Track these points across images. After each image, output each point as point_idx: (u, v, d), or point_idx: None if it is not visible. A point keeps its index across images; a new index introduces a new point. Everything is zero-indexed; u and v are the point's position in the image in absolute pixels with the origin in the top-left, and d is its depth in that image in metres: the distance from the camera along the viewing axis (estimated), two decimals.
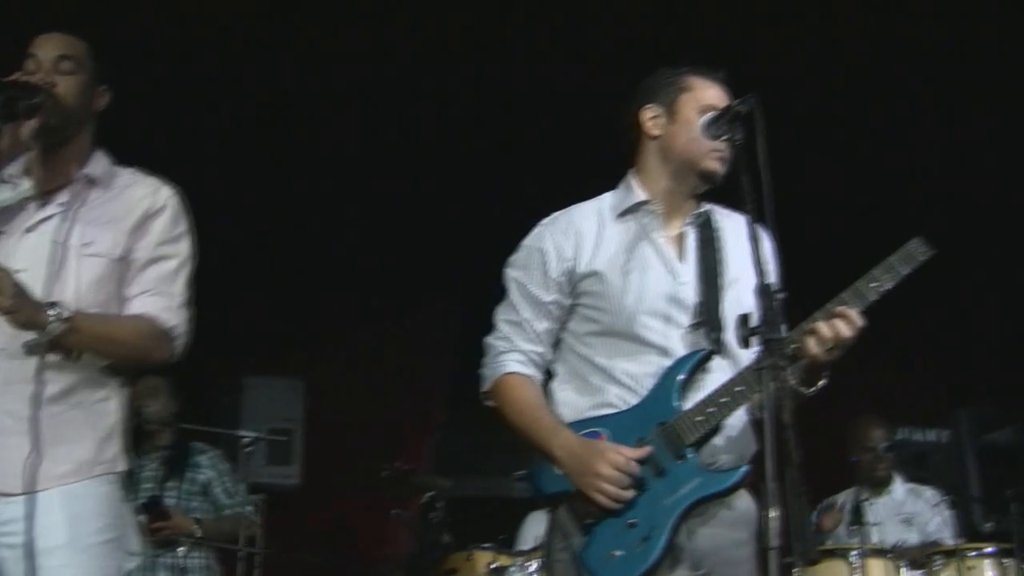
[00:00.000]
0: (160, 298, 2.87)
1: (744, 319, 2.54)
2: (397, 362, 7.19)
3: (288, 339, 6.96)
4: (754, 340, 2.49)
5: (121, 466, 2.83)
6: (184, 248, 2.96)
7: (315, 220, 6.86)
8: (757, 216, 2.58)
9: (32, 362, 2.68)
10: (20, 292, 2.59)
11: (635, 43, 5.50)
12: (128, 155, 3.02)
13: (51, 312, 2.63)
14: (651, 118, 3.00)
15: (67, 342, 2.68)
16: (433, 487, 5.70)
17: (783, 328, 2.51)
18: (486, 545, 5.19)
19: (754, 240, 2.57)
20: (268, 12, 5.70)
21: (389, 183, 6.68)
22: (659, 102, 3.00)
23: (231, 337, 6.67)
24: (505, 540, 5.57)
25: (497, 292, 3.09)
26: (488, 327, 3.07)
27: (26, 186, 2.87)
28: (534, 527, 5.65)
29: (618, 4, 5.70)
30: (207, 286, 3.03)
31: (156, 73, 5.58)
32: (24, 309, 2.60)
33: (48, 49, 2.88)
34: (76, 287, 2.77)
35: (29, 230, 2.82)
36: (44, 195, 2.86)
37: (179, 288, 2.91)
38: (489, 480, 7.15)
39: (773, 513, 2.25)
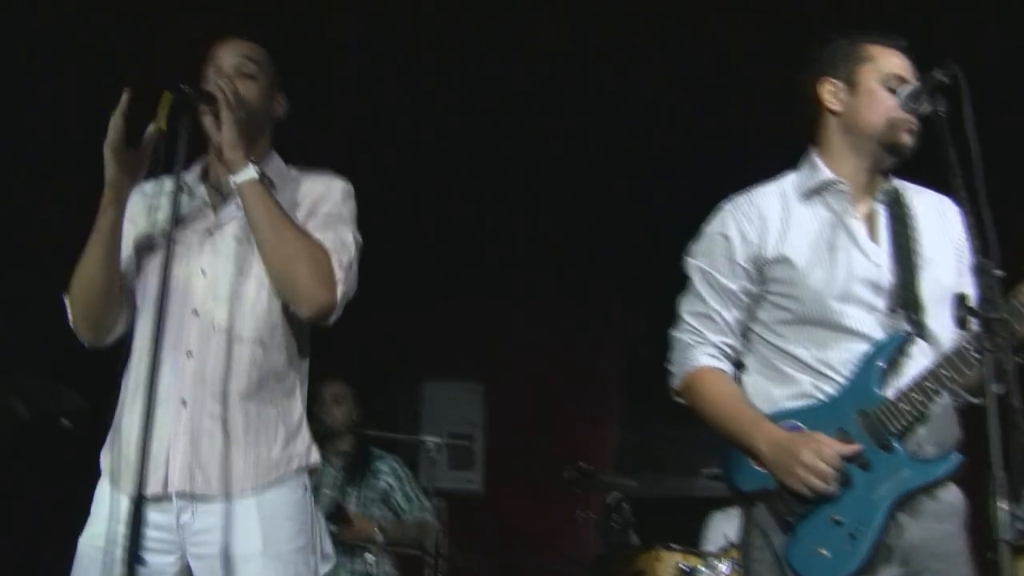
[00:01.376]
0: (333, 240, 2.81)
1: (961, 299, 2.36)
2: (575, 361, 7.13)
3: (465, 342, 6.97)
4: (972, 321, 2.33)
5: (315, 458, 2.83)
6: (355, 223, 2.90)
7: (487, 222, 6.87)
8: (967, 192, 2.39)
9: (223, 360, 2.72)
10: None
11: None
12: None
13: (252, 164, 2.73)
14: (830, 92, 2.86)
15: (253, 193, 2.72)
16: (617, 487, 5.61)
17: (1001, 307, 2.33)
18: (674, 545, 5.07)
19: (971, 217, 2.39)
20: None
21: (557, 181, 6.64)
22: (837, 75, 2.86)
23: (409, 342, 6.79)
24: (691, 539, 5.46)
25: (669, 284, 3.00)
26: (661, 320, 2.98)
27: (203, 191, 2.91)
28: (719, 526, 5.52)
29: None
30: (384, 292, 3.01)
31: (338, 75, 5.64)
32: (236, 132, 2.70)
33: (229, 55, 2.91)
34: (251, 284, 2.78)
35: (211, 232, 2.84)
36: (223, 198, 2.89)
37: (351, 247, 2.84)
38: (672, 478, 7.04)
39: (1003, 504, 2.10)
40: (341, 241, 2.82)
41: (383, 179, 2.98)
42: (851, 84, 2.84)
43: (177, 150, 2.62)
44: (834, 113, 2.87)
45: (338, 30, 5.67)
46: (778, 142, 3.02)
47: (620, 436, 7.24)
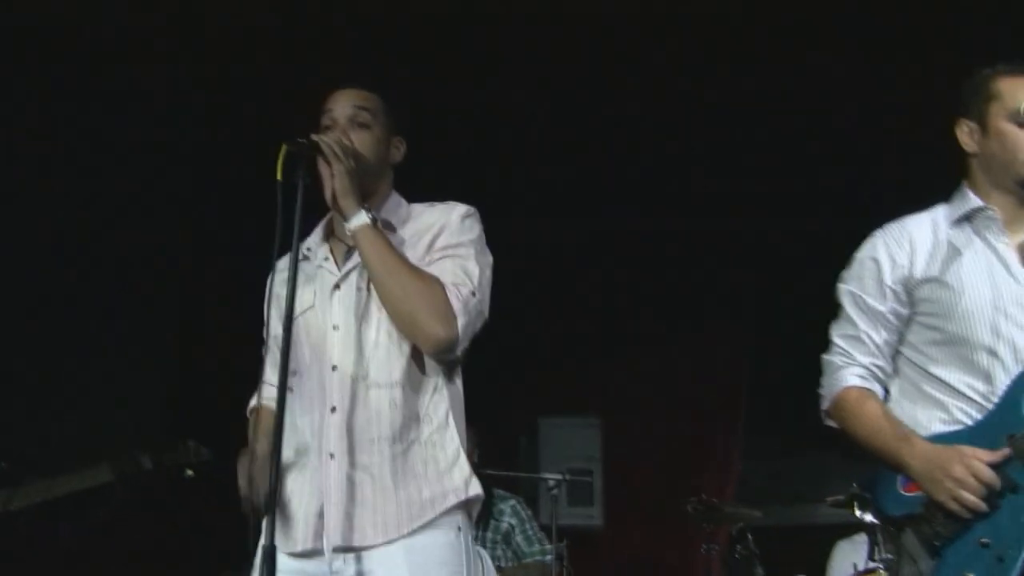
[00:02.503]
0: (452, 270, 2.80)
1: None
2: (692, 393, 7.05)
3: (580, 377, 6.95)
4: None
5: (474, 490, 2.80)
6: (479, 244, 2.88)
7: (602, 258, 6.85)
8: None
9: (365, 409, 2.73)
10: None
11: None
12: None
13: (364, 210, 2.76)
14: (966, 134, 2.86)
15: (366, 237, 2.74)
16: (741, 518, 5.53)
17: None
18: None
19: None
20: None
21: (673, 216, 6.62)
22: (970, 115, 2.86)
23: (524, 378, 6.78)
24: (817, 569, 5.37)
25: (790, 314, 2.98)
26: (783, 350, 2.98)
27: (326, 249, 2.94)
28: (846, 555, 5.43)
29: None
30: (498, 329, 3.01)
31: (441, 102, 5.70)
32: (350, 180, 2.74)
33: (343, 104, 2.93)
34: (376, 329, 2.79)
35: (337, 286, 2.87)
36: (347, 251, 2.91)
37: (473, 275, 2.81)
38: (796, 508, 6.93)
39: None
40: (462, 271, 2.80)
41: (497, 219, 2.96)
42: (982, 125, 2.84)
43: (296, 201, 2.63)
44: (972, 155, 2.87)
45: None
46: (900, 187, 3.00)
47: (742, 467, 7.13)
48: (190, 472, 4.49)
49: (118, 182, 5.76)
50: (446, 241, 2.85)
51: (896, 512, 2.73)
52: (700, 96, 5.84)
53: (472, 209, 2.93)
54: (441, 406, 2.82)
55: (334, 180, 2.76)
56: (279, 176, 2.63)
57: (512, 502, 5.36)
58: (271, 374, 2.93)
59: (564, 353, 6.87)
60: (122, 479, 4.55)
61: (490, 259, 2.89)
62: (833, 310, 3.01)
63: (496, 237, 2.95)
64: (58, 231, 5.56)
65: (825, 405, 2.92)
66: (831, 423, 2.92)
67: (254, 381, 2.90)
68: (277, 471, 2.48)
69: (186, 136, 5.84)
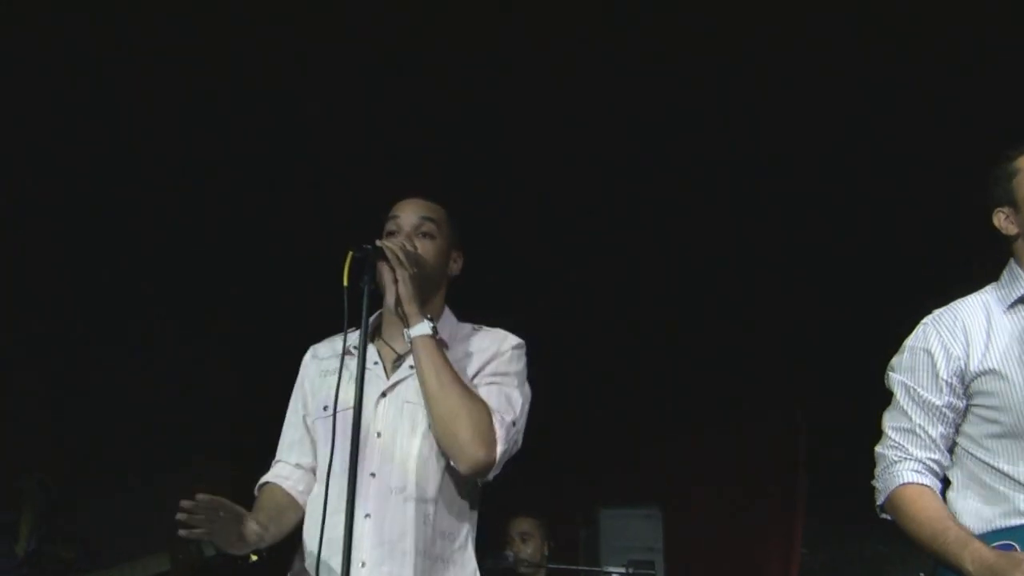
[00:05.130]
0: (498, 398, 2.86)
1: None
2: (752, 478, 7.00)
3: (638, 465, 6.91)
4: None
5: None
6: (523, 377, 2.96)
7: (654, 342, 6.87)
8: None
9: (399, 521, 2.78)
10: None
11: None
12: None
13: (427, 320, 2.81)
14: (1003, 218, 2.85)
15: (425, 348, 2.79)
16: None
17: None
18: None
19: None
20: None
21: (730, 302, 6.66)
22: (1001, 200, 2.86)
23: (583, 470, 6.79)
24: None
25: (843, 399, 2.98)
26: (834, 438, 2.97)
27: (374, 353, 2.97)
28: None
29: None
30: (549, 424, 3.08)
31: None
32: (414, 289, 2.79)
33: (410, 213, 3.01)
34: (420, 443, 2.84)
35: (384, 394, 2.91)
36: (397, 358, 2.96)
37: (516, 405, 2.88)
38: None
39: None
40: (507, 399, 2.87)
41: (557, 313, 3.03)
42: (1013, 204, 2.83)
43: (362, 308, 2.72)
44: (1013, 237, 2.85)
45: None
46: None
47: (805, 556, 7.04)
48: (254, 557, 4.54)
49: None
50: (495, 368, 2.92)
51: None
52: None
53: (522, 343, 3.02)
54: (464, 526, 2.89)
55: (398, 286, 2.83)
56: (345, 282, 2.71)
57: None
58: (287, 453, 3.03)
59: (621, 442, 6.84)
60: (181, 566, 4.61)
61: (530, 393, 2.96)
62: (886, 395, 2.98)
63: (552, 331, 3.01)
64: None
65: (880, 500, 2.89)
66: (886, 517, 2.89)
67: None
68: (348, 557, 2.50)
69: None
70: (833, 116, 5.45)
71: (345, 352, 2.81)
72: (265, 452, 3.10)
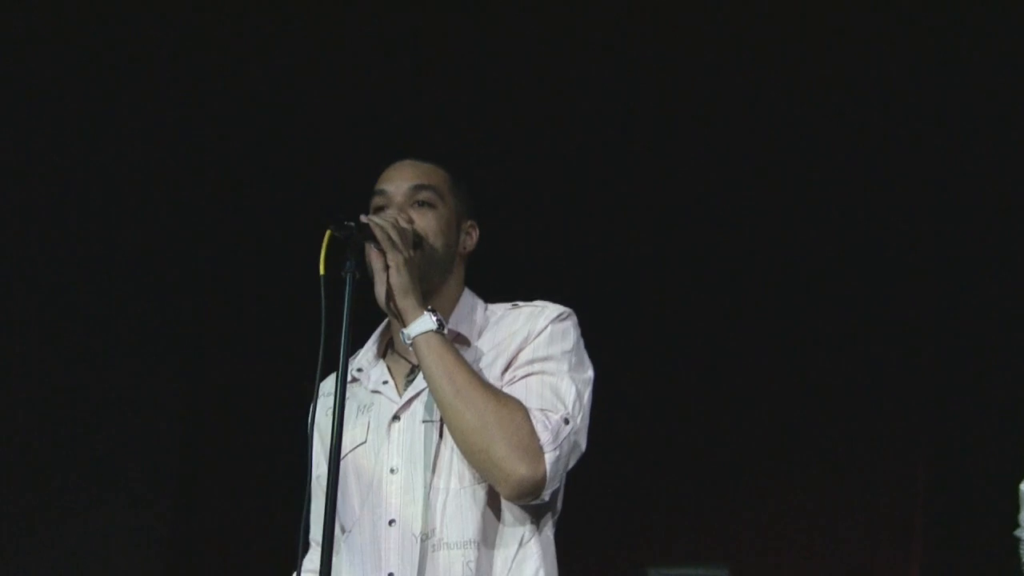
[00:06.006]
0: (540, 392, 2.33)
1: None
2: (845, 531, 6.30)
3: (699, 517, 6.31)
4: None
5: None
6: (575, 356, 2.41)
7: (722, 408, 6.25)
8: None
9: None
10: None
11: None
12: None
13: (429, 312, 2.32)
14: None
15: (430, 348, 2.29)
16: None
17: None
18: None
19: None
20: None
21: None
22: None
23: (631, 523, 6.13)
24: None
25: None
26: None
27: (381, 370, 2.47)
28: None
29: None
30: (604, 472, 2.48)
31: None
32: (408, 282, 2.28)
33: (400, 180, 2.47)
34: (447, 473, 2.34)
35: (397, 417, 2.40)
36: (409, 372, 2.45)
37: (567, 397, 2.35)
38: None
39: None
40: (552, 391, 2.34)
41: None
42: None
43: (345, 305, 2.20)
44: None
45: None
46: None
47: None
48: None
49: None
50: (532, 354, 2.39)
51: None
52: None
53: (567, 311, 2.44)
54: (528, 564, 2.37)
55: (389, 274, 2.29)
56: (322, 270, 2.18)
57: None
58: (318, 531, 2.40)
59: (678, 490, 6.22)
60: None
61: (590, 374, 2.42)
62: None
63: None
64: None
65: None
66: None
67: None
68: None
69: None
70: None
71: (344, 376, 2.26)
72: (227, 485, 2.47)
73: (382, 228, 2.28)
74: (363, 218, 2.30)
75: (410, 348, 2.32)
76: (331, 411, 2.30)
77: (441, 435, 2.35)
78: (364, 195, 2.53)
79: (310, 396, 2.44)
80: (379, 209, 2.43)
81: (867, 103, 5.09)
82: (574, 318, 2.44)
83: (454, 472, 2.35)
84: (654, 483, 6.16)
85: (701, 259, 5.75)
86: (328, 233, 2.21)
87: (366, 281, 2.32)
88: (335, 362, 2.26)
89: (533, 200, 5.34)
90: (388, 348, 2.52)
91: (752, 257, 5.68)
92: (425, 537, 2.33)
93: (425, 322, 2.28)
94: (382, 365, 2.47)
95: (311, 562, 2.44)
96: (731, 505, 6.10)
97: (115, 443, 4.95)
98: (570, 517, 2.52)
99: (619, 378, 5.41)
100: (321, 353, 2.23)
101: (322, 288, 2.17)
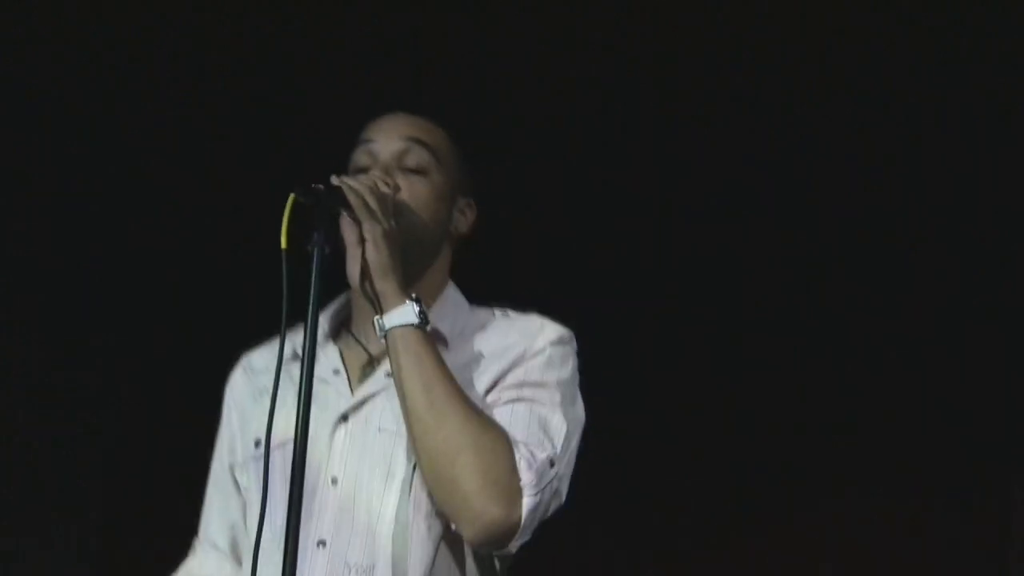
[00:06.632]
0: (527, 423, 1.93)
1: None
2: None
3: (721, 549, 6.02)
4: None
5: None
6: (570, 390, 2.02)
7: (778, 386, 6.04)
8: None
9: None
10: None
11: None
12: None
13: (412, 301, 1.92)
14: None
15: (408, 345, 1.90)
16: None
17: None
18: None
19: None
20: None
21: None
22: None
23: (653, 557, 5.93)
24: None
25: None
26: None
27: (334, 356, 2.06)
28: None
29: None
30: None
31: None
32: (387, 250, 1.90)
33: (390, 136, 2.08)
34: (399, 495, 1.95)
35: (345, 417, 1.99)
36: (369, 362, 2.05)
37: (556, 435, 1.95)
38: None
39: None
40: (541, 425, 1.97)
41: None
42: None
43: (310, 284, 1.80)
44: None
45: None
46: None
47: None
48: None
49: None
50: (524, 377, 2.00)
51: None
52: None
53: (569, 334, 2.07)
54: None
55: (365, 248, 1.91)
56: (284, 242, 1.78)
57: None
58: (213, 529, 2.13)
59: (719, 513, 5.88)
60: None
61: (583, 415, 2.04)
62: None
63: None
64: None
65: None
66: None
67: None
68: None
69: None
70: None
71: (284, 357, 1.86)
72: (155, 514, 2.27)
73: (357, 192, 1.89)
74: (335, 180, 1.92)
75: (382, 340, 1.93)
76: (262, 393, 1.96)
77: (400, 447, 1.96)
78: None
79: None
80: (361, 171, 2.04)
81: (867, 103, 5.06)
82: (575, 344, 2.07)
83: (412, 496, 1.95)
84: (690, 505, 5.92)
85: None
86: (292, 198, 1.83)
87: (338, 257, 1.92)
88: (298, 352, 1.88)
89: (533, 200, 5.29)
90: (342, 329, 2.11)
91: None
92: (364, 570, 1.92)
93: (406, 313, 1.90)
94: (334, 349, 2.07)
95: (202, 567, 2.11)
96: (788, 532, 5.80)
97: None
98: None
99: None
100: (281, 341, 1.85)
101: (283, 264, 1.78)
